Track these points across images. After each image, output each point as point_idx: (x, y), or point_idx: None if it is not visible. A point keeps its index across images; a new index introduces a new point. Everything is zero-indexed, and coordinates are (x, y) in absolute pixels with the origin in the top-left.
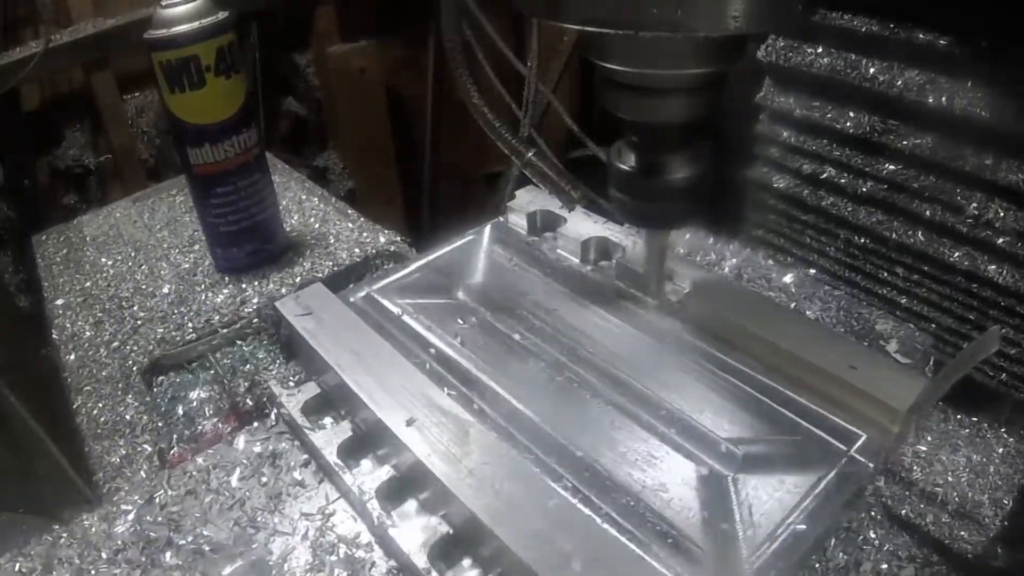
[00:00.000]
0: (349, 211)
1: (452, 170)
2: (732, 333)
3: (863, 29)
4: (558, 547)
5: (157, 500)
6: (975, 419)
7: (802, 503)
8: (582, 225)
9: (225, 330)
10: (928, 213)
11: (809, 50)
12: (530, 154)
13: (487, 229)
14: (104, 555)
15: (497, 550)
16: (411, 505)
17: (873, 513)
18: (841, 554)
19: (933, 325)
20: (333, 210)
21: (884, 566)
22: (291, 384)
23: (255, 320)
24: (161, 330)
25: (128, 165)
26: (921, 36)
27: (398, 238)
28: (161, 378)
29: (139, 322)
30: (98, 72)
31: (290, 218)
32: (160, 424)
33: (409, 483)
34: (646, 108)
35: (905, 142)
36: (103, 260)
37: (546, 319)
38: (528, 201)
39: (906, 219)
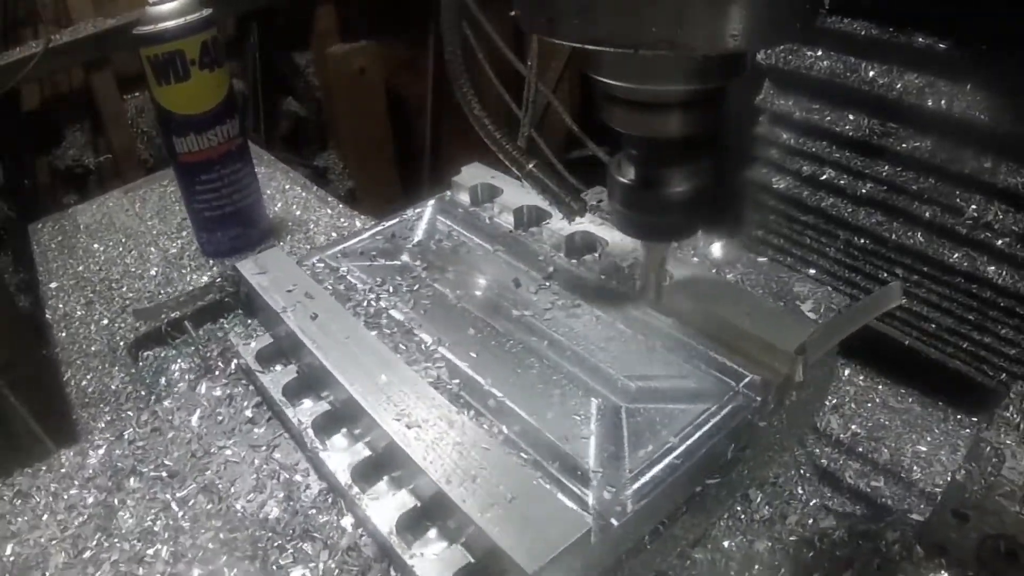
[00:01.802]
0: (329, 199)
1: (452, 170)
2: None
3: (862, 33)
4: (463, 464)
5: (126, 436)
6: (975, 419)
7: (686, 430)
8: (518, 195)
9: (191, 288)
10: (928, 215)
11: (809, 53)
12: (530, 165)
13: (432, 202)
14: (76, 482)
15: (408, 468)
16: (343, 436)
17: (803, 471)
18: (766, 507)
19: (933, 325)
20: (314, 198)
21: (810, 521)
22: (245, 336)
23: (217, 280)
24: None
25: (128, 165)
26: (920, 40)
27: (373, 221)
28: (147, 353)
29: (127, 302)
30: (98, 72)
31: (273, 205)
32: (144, 393)
33: (341, 415)
34: (645, 123)
35: (904, 145)
36: (95, 246)
37: (477, 277)
38: (472, 176)
39: (905, 220)
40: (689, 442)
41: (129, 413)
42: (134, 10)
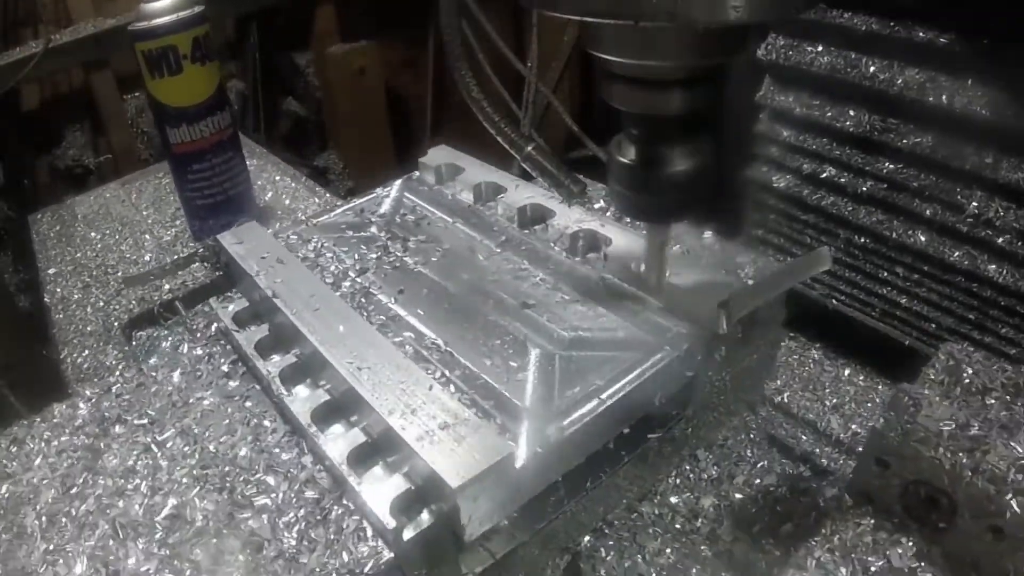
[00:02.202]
0: (317, 188)
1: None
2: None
3: (863, 27)
4: (404, 399)
5: (114, 391)
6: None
7: (614, 375)
8: (478, 173)
9: (176, 258)
10: (928, 212)
11: (809, 49)
12: (529, 148)
13: (399, 181)
14: (67, 431)
15: (359, 407)
16: (306, 385)
17: (753, 436)
18: (714, 467)
19: (933, 325)
20: (303, 188)
21: (757, 481)
22: (224, 301)
23: (200, 250)
24: (141, 292)
25: (128, 165)
26: (921, 34)
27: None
28: (140, 333)
29: (122, 285)
30: (98, 72)
31: (264, 195)
32: (136, 369)
33: (305, 366)
34: (645, 100)
35: (905, 141)
36: (92, 234)
37: (435, 246)
38: (437, 157)
39: (906, 218)
40: (616, 386)
41: (118, 373)
42: (133, 10)
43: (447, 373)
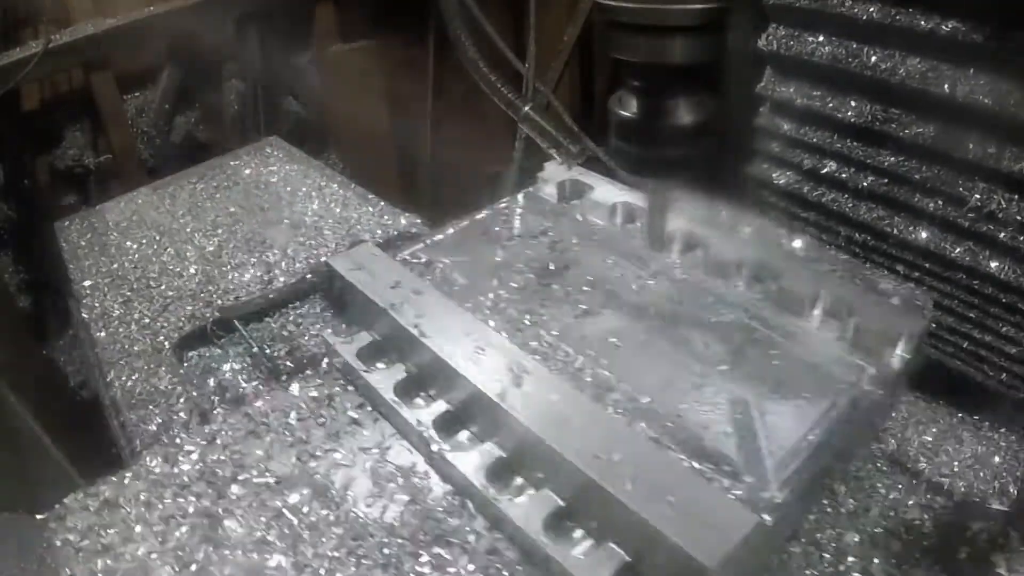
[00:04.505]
0: (369, 196)
1: (452, 170)
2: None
3: (864, 17)
4: (614, 459)
5: (219, 441)
6: (976, 417)
7: (819, 424)
8: (609, 192)
9: (281, 284)
10: (931, 207)
11: (810, 39)
12: (526, 108)
13: (520, 197)
14: (170, 490)
15: (552, 464)
16: (464, 435)
17: (880, 464)
18: (851, 500)
19: (934, 324)
20: (353, 195)
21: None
22: (342, 334)
23: (308, 276)
24: (191, 307)
25: (128, 165)
26: (923, 23)
27: (418, 220)
28: (191, 353)
29: (168, 300)
30: (98, 72)
31: (310, 203)
32: (195, 394)
33: (463, 414)
34: (649, 48)
35: (907, 131)
36: (128, 243)
37: (582, 274)
38: (555, 173)
39: (907, 214)
40: (824, 435)
41: (220, 419)
42: (133, 10)
43: (644, 426)
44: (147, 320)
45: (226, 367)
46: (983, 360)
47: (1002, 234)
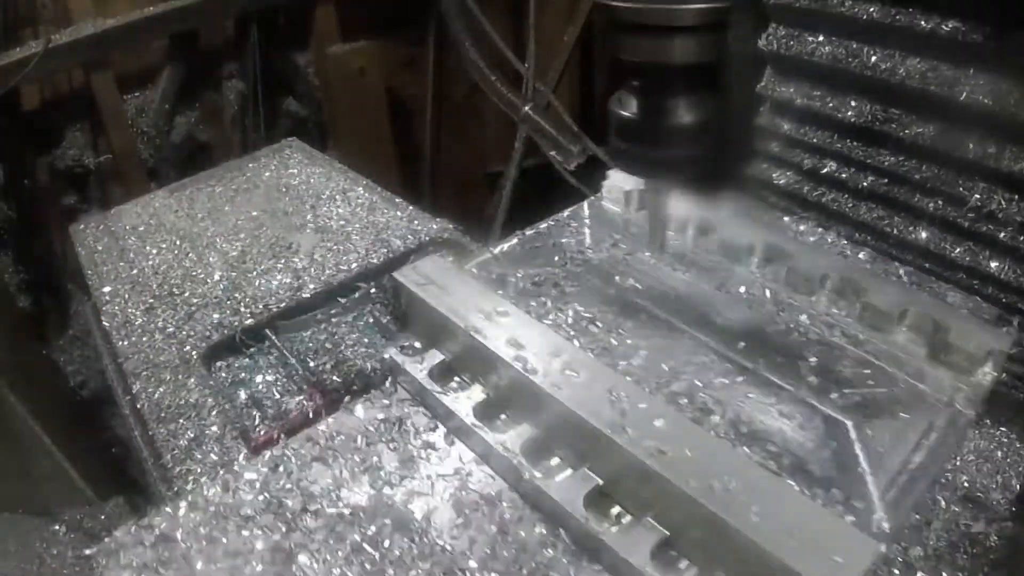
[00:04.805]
0: (397, 200)
1: (452, 170)
2: None
3: (864, 17)
4: (726, 488)
5: (283, 467)
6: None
7: (918, 445)
8: (676, 203)
9: (344, 300)
10: (931, 207)
11: (810, 39)
12: (526, 108)
13: (584, 207)
14: (233, 522)
15: (661, 494)
16: (554, 460)
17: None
18: (915, 514)
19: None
20: (380, 199)
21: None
22: (410, 352)
23: (372, 290)
24: (217, 316)
25: (128, 165)
26: (923, 23)
27: (450, 225)
28: (219, 363)
29: (193, 308)
30: (98, 72)
31: (334, 207)
32: (228, 407)
33: (554, 439)
34: (649, 48)
35: (907, 131)
36: (147, 248)
37: (664, 291)
38: (620, 182)
39: (908, 214)
40: (926, 458)
41: (283, 445)
42: (133, 10)
43: (748, 450)
44: (171, 329)
45: (259, 379)
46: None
47: (1002, 234)
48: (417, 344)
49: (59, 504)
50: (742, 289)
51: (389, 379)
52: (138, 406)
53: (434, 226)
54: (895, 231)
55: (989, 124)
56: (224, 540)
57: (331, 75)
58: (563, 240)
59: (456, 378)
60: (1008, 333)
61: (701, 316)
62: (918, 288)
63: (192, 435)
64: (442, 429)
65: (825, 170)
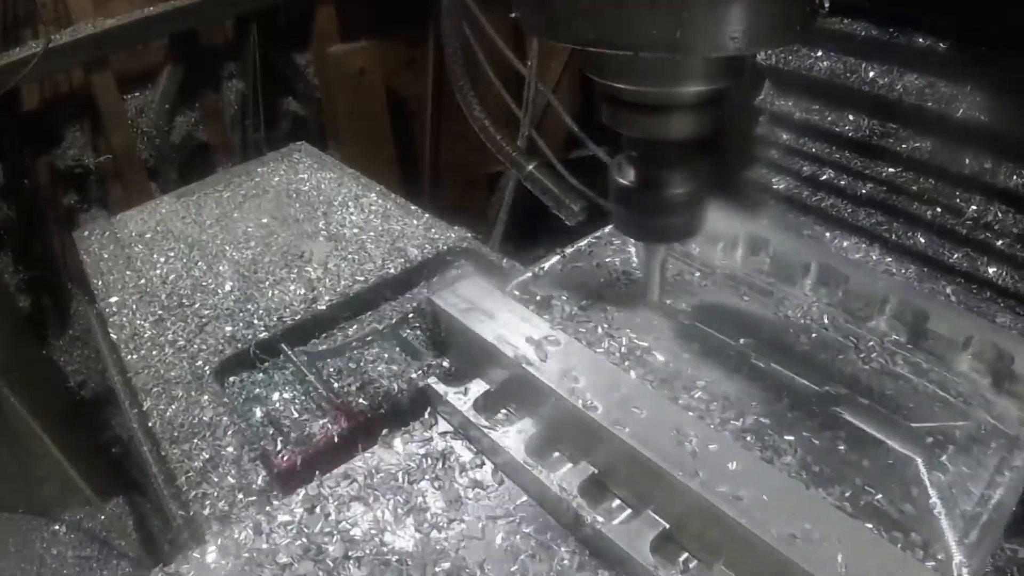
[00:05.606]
0: (412, 207)
1: (452, 170)
2: None
3: (863, 33)
4: (808, 537)
5: (320, 509)
6: None
7: (991, 483)
8: (723, 222)
9: (380, 326)
10: (928, 215)
11: (809, 54)
12: (530, 167)
13: None
14: (268, 570)
15: (736, 540)
16: (614, 502)
17: None
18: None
19: None
20: (394, 205)
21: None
22: (447, 378)
23: (410, 315)
24: (229, 328)
25: (128, 165)
26: (920, 41)
27: (469, 234)
28: (232, 379)
29: (204, 320)
30: (98, 72)
31: (346, 214)
32: (243, 425)
33: (613, 480)
34: (644, 125)
35: (904, 145)
36: (155, 256)
37: (710, 309)
38: None
39: (905, 221)
40: (1004, 495)
41: (316, 482)
42: (134, 10)
43: (823, 492)
44: (182, 342)
45: (275, 396)
46: None
47: (999, 243)
48: (445, 363)
49: (59, 504)
50: (798, 313)
51: (428, 410)
52: (149, 424)
53: (452, 235)
54: (893, 236)
55: (985, 139)
56: None
57: (331, 75)
58: (607, 259)
59: (503, 410)
60: None
61: (759, 344)
62: (977, 313)
63: (207, 456)
64: (489, 465)
65: (824, 177)
